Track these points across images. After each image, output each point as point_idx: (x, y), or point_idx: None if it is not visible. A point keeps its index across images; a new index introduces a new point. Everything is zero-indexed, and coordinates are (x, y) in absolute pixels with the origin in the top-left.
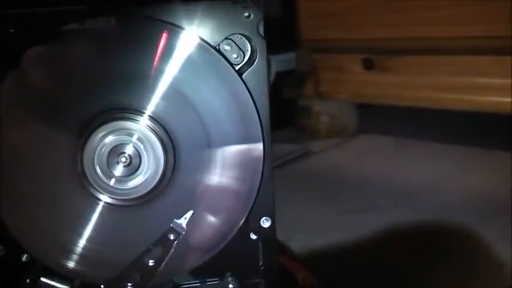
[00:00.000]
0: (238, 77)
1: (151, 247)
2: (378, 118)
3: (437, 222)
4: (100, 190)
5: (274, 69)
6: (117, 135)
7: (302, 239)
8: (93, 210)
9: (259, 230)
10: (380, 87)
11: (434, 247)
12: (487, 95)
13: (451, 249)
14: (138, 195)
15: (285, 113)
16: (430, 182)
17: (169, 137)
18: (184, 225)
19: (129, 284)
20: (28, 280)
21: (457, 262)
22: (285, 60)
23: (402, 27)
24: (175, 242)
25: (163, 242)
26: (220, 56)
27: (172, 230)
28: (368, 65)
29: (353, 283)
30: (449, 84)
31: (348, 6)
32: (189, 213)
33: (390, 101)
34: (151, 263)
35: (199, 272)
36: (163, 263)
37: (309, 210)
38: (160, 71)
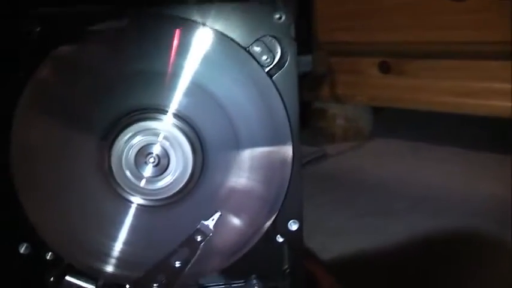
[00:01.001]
0: (269, 79)
1: (178, 248)
2: (393, 121)
3: (455, 227)
4: (130, 192)
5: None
6: (143, 136)
7: (321, 242)
8: (122, 211)
9: (287, 233)
10: (396, 90)
11: (453, 252)
12: (504, 100)
13: (469, 254)
14: (167, 195)
15: (300, 115)
16: (446, 186)
17: (197, 136)
18: (211, 226)
19: (155, 285)
20: (52, 278)
21: (476, 267)
22: (301, 63)
23: (419, 31)
24: (202, 243)
25: (190, 243)
26: (250, 57)
27: (200, 232)
28: (384, 68)
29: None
30: (466, 89)
31: (365, 9)
32: (217, 215)
33: (406, 104)
34: (177, 264)
35: (225, 274)
36: (189, 265)
37: (327, 213)
38: (180, 68)
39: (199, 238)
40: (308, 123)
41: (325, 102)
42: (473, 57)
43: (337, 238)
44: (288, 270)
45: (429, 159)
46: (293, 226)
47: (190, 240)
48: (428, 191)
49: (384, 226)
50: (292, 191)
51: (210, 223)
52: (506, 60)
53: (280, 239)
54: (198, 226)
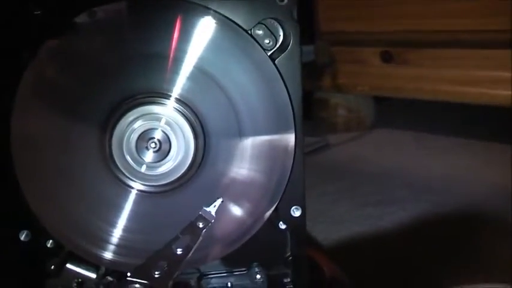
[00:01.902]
0: (271, 62)
1: (180, 235)
2: (395, 111)
3: (458, 216)
4: (131, 177)
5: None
6: (144, 121)
7: (323, 231)
8: (123, 197)
9: (289, 219)
10: (399, 80)
11: (455, 241)
12: (507, 89)
13: (471, 244)
14: (168, 181)
15: (303, 105)
16: (449, 176)
17: (199, 121)
18: (213, 213)
19: (156, 272)
20: (53, 266)
21: (477, 256)
22: (302, 53)
23: (422, 19)
24: (204, 230)
25: (192, 230)
26: (253, 40)
27: (202, 218)
28: (387, 57)
29: (374, 277)
30: (468, 78)
31: None
32: (219, 201)
33: (409, 94)
34: (179, 251)
35: (227, 261)
36: (191, 252)
37: (330, 202)
38: (183, 52)
39: (201, 225)
40: (310, 113)
41: (327, 92)
42: (476, 45)
43: (340, 227)
44: (290, 257)
45: (431, 149)
46: (295, 212)
47: (192, 226)
48: (432, 180)
49: (386, 215)
50: (295, 177)
51: (212, 209)
52: (508, 48)
53: (282, 226)
54: (200, 212)
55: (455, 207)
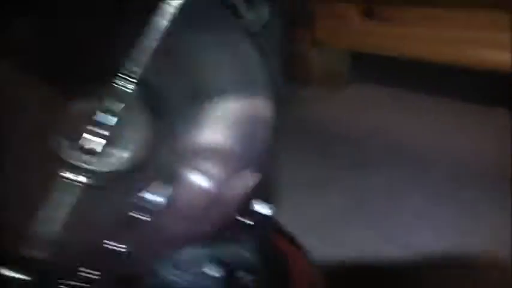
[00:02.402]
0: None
1: (120, 229)
2: (372, 68)
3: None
4: (73, 167)
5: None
6: (87, 103)
7: (291, 198)
8: (63, 190)
9: (257, 214)
10: (379, 37)
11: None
12: (488, 51)
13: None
14: (119, 168)
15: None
16: (427, 139)
17: (153, 96)
18: (161, 202)
19: (97, 273)
20: None
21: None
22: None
23: None
24: (152, 222)
25: (134, 223)
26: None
27: (144, 209)
28: (368, 14)
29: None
30: (449, 38)
31: None
32: (169, 190)
33: (389, 52)
34: (121, 248)
35: (183, 260)
36: (138, 248)
37: (302, 165)
38: None
39: (144, 216)
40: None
41: (303, 45)
42: (461, 5)
43: (310, 192)
44: (256, 253)
45: (411, 108)
46: (265, 207)
47: (134, 219)
48: (410, 143)
49: (361, 180)
50: (267, 169)
51: (158, 198)
52: (495, 9)
53: (249, 221)
54: (142, 202)
55: (433, 171)
